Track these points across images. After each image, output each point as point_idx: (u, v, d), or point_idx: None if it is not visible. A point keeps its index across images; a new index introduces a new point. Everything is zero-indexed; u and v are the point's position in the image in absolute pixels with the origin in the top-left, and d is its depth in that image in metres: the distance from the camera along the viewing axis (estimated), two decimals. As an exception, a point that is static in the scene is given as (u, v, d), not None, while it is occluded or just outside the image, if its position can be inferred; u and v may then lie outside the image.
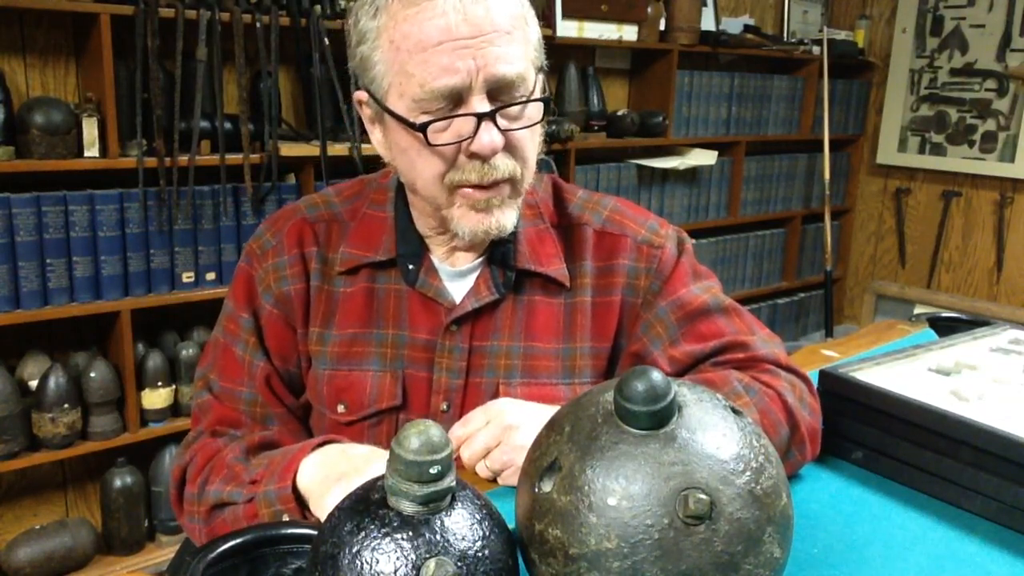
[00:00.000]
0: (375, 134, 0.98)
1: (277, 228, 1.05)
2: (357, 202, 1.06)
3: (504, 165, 0.91)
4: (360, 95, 0.96)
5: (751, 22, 3.59)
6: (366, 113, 0.98)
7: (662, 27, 3.12)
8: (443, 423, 0.87)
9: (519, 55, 0.89)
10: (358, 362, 1.02)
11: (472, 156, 0.90)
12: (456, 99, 0.88)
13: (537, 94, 0.92)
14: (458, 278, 1.03)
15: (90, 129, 1.97)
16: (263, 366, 1.02)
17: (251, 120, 2.18)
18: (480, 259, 1.03)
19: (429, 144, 0.89)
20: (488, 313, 1.02)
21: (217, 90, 2.11)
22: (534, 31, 0.94)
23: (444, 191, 0.93)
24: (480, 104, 0.87)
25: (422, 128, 0.88)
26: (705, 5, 3.35)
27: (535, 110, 0.93)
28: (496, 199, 0.93)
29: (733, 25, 3.50)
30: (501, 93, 0.89)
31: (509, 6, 0.90)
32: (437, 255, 1.03)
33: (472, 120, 0.88)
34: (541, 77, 0.94)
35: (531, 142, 0.94)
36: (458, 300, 1.02)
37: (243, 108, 2.14)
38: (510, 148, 0.91)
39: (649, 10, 3.00)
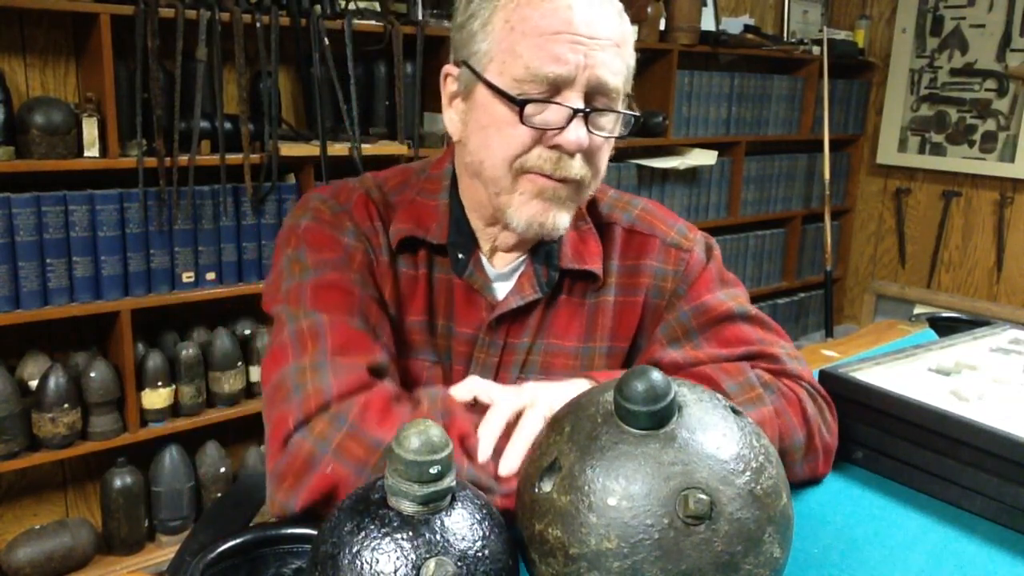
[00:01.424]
0: (450, 111, 0.99)
1: (344, 197, 1.02)
2: (405, 192, 1.05)
3: (578, 166, 0.92)
4: (450, 68, 0.97)
5: (751, 22, 3.59)
6: (450, 88, 0.98)
7: (662, 27, 3.12)
8: None
9: (621, 70, 0.93)
10: (416, 351, 1.02)
11: (553, 147, 0.91)
12: (554, 89, 0.89)
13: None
14: (499, 278, 1.03)
15: (90, 129, 1.96)
16: (388, 331, 0.95)
17: (251, 120, 2.18)
18: (521, 258, 1.03)
19: (522, 121, 0.89)
20: (524, 311, 1.03)
21: (217, 90, 2.11)
22: (632, 59, 0.97)
23: (511, 174, 0.93)
24: (576, 100, 0.90)
25: (522, 103, 0.89)
26: (705, 5, 3.35)
27: (619, 125, 0.96)
28: (562, 192, 0.94)
29: (733, 25, 3.50)
30: (595, 98, 0.91)
31: (625, 26, 0.94)
32: (482, 252, 1.03)
33: (566, 113, 0.89)
34: (627, 101, 0.97)
35: (605, 154, 0.97)
36: (500, 297, 1.02)
37: (243, 108, 2.14)
38: (587, 153, 0.93)
39: (649, 10, 3.00)
